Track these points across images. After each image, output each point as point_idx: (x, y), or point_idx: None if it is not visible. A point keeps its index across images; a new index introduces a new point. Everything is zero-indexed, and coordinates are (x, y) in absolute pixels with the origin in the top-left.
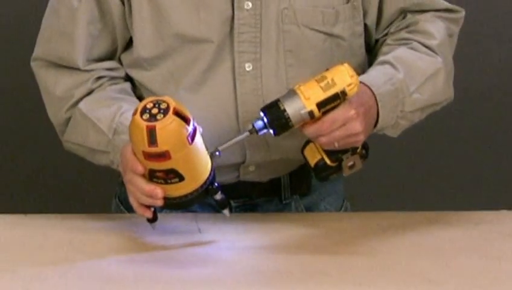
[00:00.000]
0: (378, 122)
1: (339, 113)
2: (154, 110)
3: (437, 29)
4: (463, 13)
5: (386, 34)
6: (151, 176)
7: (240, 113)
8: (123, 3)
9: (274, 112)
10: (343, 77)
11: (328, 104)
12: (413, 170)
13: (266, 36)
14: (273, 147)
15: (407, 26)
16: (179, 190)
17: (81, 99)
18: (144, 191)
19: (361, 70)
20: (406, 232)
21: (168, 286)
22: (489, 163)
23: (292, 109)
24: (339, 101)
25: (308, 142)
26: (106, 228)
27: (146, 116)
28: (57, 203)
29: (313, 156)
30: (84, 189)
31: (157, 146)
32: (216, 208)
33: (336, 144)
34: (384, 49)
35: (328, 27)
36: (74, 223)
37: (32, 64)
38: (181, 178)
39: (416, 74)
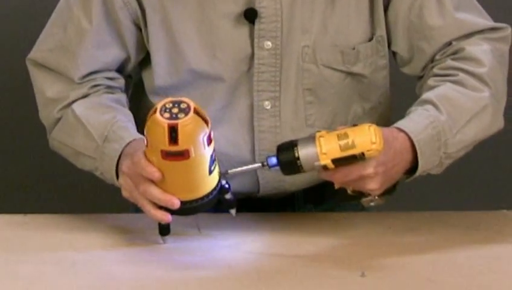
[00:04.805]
0: (418, 168)
1: (353, 169)
2: (175, 110)
3: (485, 53)
4: (509, 30)
5: (433, 61)
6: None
7: (257, 150)
8: (139, 28)
9: (287, 156)
10: (364, 141)
11: (343, 161)
12: None
13: (286, 75)
14: (287, 181)
15: (452, 53)
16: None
17: (75, 101)
18: (161, 201)
19: (384, 100)
20: (406, 232)
21: (168, 286)
22: (489, 163)
23: (306, 158)
24: (356, 160)
25: None
26: (106, 228)
27: (166, 115)
28: (57, 203)
29: None
30: (84, 189)
31: (177, 145)
32: (217, 209)
33: (349, 191)
34: (430, 82)
35: (348, 66)
36: (74, 223)
37: (28, 62)
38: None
39: (461, 114)
